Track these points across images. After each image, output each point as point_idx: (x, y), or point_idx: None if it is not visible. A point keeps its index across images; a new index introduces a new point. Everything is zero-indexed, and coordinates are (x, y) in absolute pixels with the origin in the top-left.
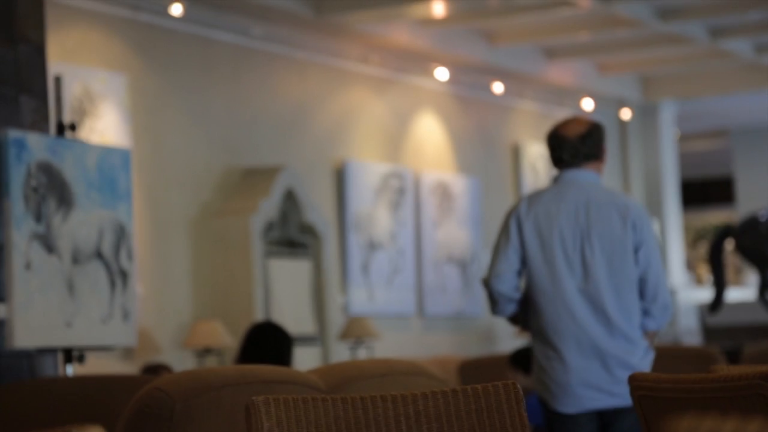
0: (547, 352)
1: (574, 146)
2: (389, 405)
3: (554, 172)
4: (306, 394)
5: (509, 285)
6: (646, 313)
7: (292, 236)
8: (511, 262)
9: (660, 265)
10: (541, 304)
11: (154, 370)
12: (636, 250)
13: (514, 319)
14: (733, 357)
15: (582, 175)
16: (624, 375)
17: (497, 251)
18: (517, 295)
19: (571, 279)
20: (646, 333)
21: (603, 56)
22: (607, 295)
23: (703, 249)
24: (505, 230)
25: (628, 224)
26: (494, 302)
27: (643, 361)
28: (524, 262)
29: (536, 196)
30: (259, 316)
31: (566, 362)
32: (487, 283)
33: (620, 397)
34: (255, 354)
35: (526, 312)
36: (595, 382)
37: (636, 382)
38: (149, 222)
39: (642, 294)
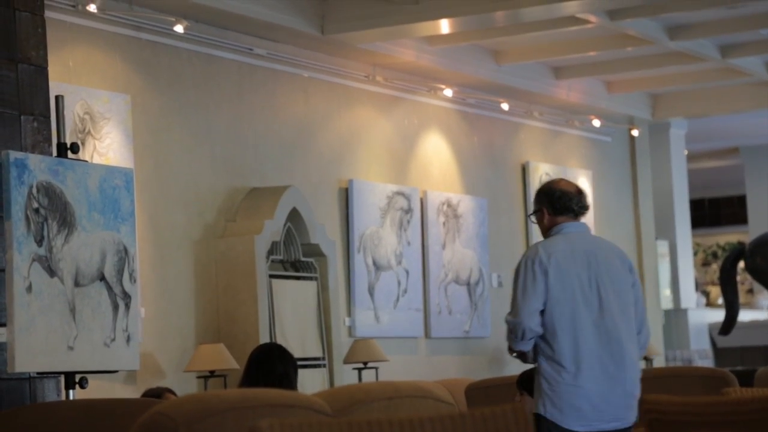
0: (563, 378)
1: (579, 199)
2: (396, 429)
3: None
4: (311, 417)
5: (537, 322)
6: None
7: (297, 257)
8: (539, 302)
9: (643, 303)
10: (561, 338)
11: (157, 394)
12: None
13: (523, 356)
14: (746, 379)
15: (581, 226)
16: (631, 401)
17: (526, 293)
18: (541, 331)
19: (588, 315)
20: None
21: (612, 74)
22: (621, 328)
23: (714, 269)
24: (531, 274)
25: (626, 267)
26: (522, 338)
27: (638, 388)
28: (545, 302)
29: (550, 245)
30: (263, 339)
31: (581, 387)
32: (516, 322)
33: (622, 420)
34: (259, 377)
35: (535, 347)
36: (604, 407)
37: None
38: (152, 243)
39: None
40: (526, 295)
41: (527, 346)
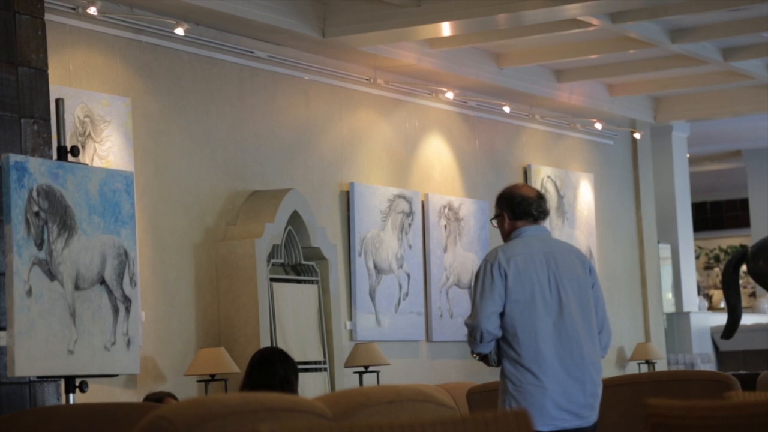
0: (527, 379)
1: (539, 204)
2: None
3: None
4: (312, 421)
5: (495, 324)
6: None
7: (298, 260)
8: (497, 305)
9: (604, 301)
10: (522, 339)
11: (158, 398)
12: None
13: (485, 358)
14: (748, 383)
15: (540, 229)
16: (591, 400)
17: (483, 296)
18: (500, 333)
19: (548, 317)
20: None
21: (614, 77)
22: (580, 329)
23: (717, 273)
24: (489, 277)
25: (586, 268)
26: (481, 340)
27: (600, 387)
28: (504, 305)
29: (509, 249)
30: (264, 342)
31: (544, 388)
32: (474, 325)
33: (585, 419)
34: (260, 381)
35: (498, 348)
36: (567, 406)
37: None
38: (152, 247)
39: None
40: (484, 298)
41: (486, 349)
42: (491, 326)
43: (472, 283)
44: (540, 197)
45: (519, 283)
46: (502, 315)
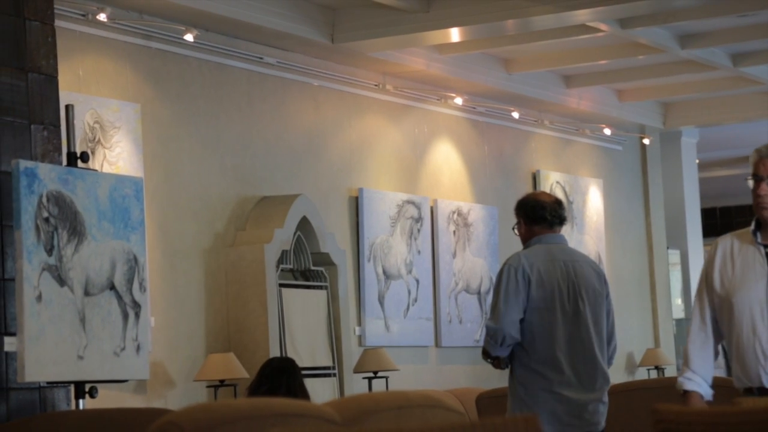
0: (540, 384)
1: (553, 209)
2: None
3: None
4: (321, 427)
5: (518, 329)
6: None
7: (307, 266)
8: (520, 310)
9: (614, 313)
10: (539, 345)
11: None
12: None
13: (498, 361)
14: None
15: (559, 238)
16: (601, 407)
17: (508, 301)
18: (519, 338)
19: (565, 325)
20: None
21: (623, 82)
22: (593, 339)
23: None
24: (513, 282)
25: (601, 279)
26: (502, 344)
27: (606, 395)
28: (525, 310)
29: (532, 255)
30: (273, 348)
31: (557, 394)
32: (497, 329)
33: (595, 425)
34: (268, 388)
35: (511, 353)
36: (577, 412)
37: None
38: (162, 252)
39: None
40: (509, 303)
41: (505, 352)
42: (514, 331)
43: (494, 286)
44: (557, 203)
45: (541, 289)
46: (521, 320)
